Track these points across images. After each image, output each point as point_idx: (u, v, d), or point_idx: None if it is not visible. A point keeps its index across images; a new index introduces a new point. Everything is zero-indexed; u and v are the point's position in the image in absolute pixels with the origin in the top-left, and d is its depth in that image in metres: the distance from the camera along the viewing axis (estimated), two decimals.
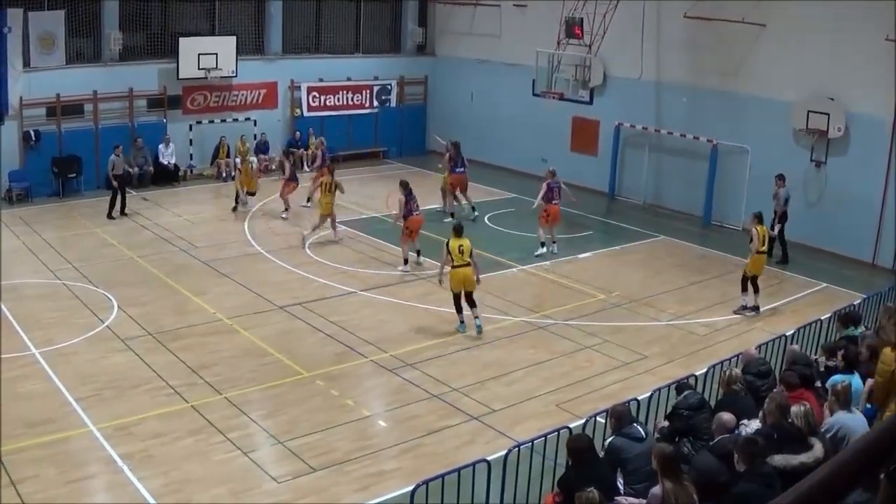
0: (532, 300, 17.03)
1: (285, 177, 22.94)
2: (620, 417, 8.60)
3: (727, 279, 18.55)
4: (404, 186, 18.49)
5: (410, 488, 8.56)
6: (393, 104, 30.60)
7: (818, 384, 9.73)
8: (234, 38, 26.16)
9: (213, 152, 26.45)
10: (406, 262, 18.24)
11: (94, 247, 19.32)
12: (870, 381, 9.46)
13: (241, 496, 9.94)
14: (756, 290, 16.53)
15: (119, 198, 21.82)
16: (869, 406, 9.11)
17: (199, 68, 25.29)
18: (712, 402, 9.85)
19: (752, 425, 8.49)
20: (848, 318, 11.91)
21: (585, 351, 14.65)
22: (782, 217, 19.59)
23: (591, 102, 24.03)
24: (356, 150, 29.51)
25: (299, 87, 28.34)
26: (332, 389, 12.83)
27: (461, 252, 14.94)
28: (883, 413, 8.92)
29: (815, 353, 11.81)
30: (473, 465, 8.95)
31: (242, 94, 27.14)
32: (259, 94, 27.52)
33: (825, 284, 18.58)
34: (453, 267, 14.97)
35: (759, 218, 16.53)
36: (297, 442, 11.18)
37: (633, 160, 25.49)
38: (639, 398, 10.59)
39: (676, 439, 9.00)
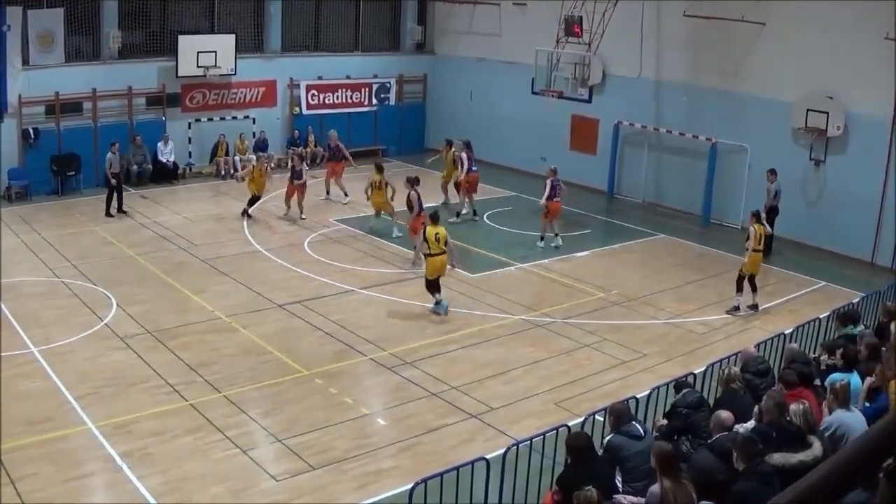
0: (531, 298, 17.03)
1: (301, 181, 21.97)
2: (619, 415, 8.60)
3: (726, 278, 18.55)
4: (414, 182, 18.79)
5: (409, 487, 8.56)
6: (392, 102, 30.59)
7: (817, 382, 9.74)
8: (233, 36, 26.13)
9: (211, 150, 26.43)
10: (414, 263, 18.14)
11: (93, 245, 19.31)
12: (869, 380, 9.46)
13: (239, 494, 9.95)
14: (754, 289, 16.54)
15: (116, 196, 21.80)
16: (868, 405, 9.11)
17: (198, 66, 25.25)
18: (711, 401, 9.86)
19: (747, 426, 8.49)
20: (847, 316, 11.91)
21: (584, 349, 14.66)
22: (772, 211, 19.66)
23: (590, 101, 24.03)
24: (355, 148, 29.31)
25: (298, 85, 28.32)
26: (330, 388, 12.84)
27: (437, 240, 15.72)
28: None
29: (814, 352, 11.82)
30: (472, 463, 8.95)
31: (241, 92, 27.12)
32: (258, 92, 27.50)
33: (824, 283, 18.60)
34: (431, 255, 15.74)
35: (757, 216, 16.54)
36: (296, 440, 11.19)
37: (632, 159, 25.49)
38: (637, 396, 10.59)
39: (675, 438, 9.01)
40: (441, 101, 31.05)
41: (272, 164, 26.89)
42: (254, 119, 27.40)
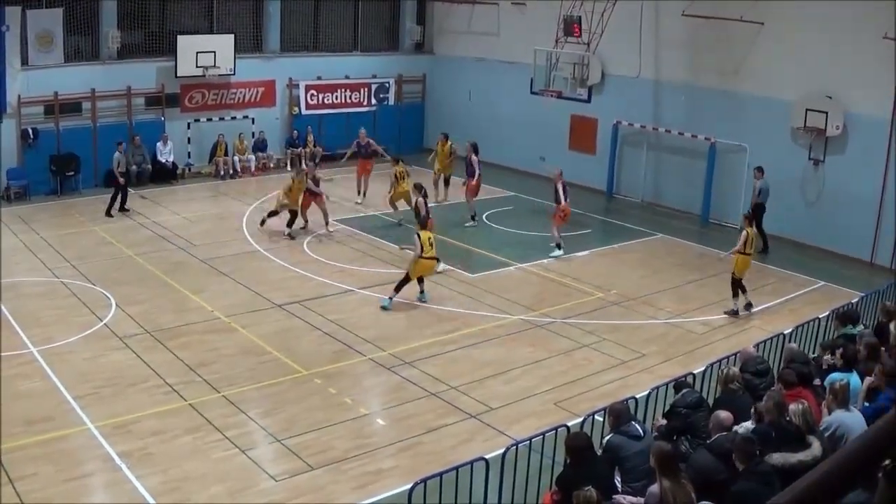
0: (530, 298, 17.02)
1: (320, 191, 20.91)
2: (619, 415, 8.61)
3: (725, 278, 18.52)
4: (419, 189, 18.65)
5: (408, 487, 8.55)
6: (391, 102, 30.59)
7: (816, 382, 9.74)
8: (232, 36, 26.12)
9: (210, 150, 26.42)
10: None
11: (93, 245, 19.30)
12: (868, 380, 9.47)
13: (238, 494, 9.94)
14: (743, 290, 16.50)
15: (121, 195, 21.84)
16: (867, 404, 9.12)
17: (197, 66, 25.26)
18: (710, 401, 9.86)
19: (747, 426, 8.50)
20: (846, 316, 11.92)
21: (584, 349, 14.66)
22: (757, 209, 19.83)
23: (589, 101, 24.04)
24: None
25: (297, 85, 28.32)
26: (330, 388, 12.84)
27: (431, 245, 16.15)
28: None
29: (814, 352, 11.83)
30: (472, 463, 8.95)
31: (240, 93, 27.12)
32: (257, 92, 27.50)
33: (823, 283, 18.60)
34: (422, 257, 16.05)
35: (749, 219, 16.56)
36: (295, 440, 11.19)
37: (631, 158, 25.49)
38: (637, 396, 10.59)
39: (674, 438, 9.01)
40: (440, 101, 31.05)
41: (270, 165, 26.97)
42: (253, 119, 27.39)
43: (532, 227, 20.96)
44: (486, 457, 9.07)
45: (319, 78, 28.76)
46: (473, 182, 22.04)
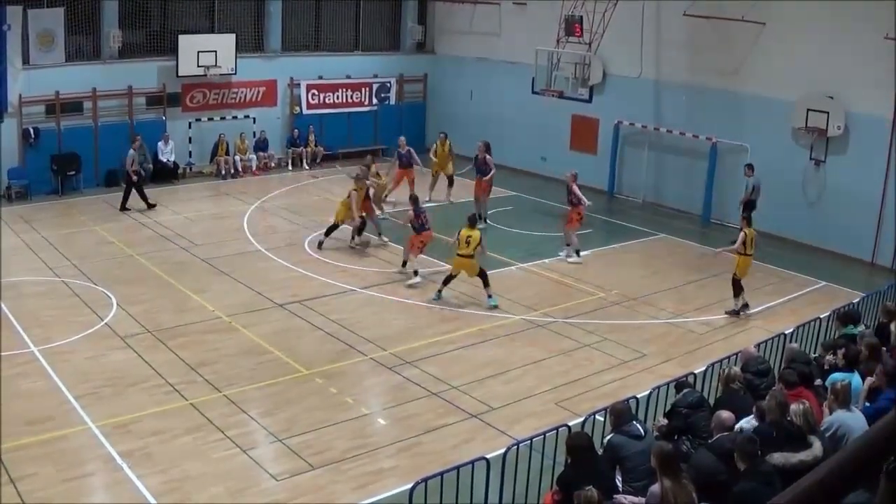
0: (531, 298, 17.02)
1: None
2: (620, 415, 8.60)
3: (726, 278, 18.51)
4: (414, 201, 18.26)
5: (409, 486, 8.56)
6: (392, 102, 30.59)
7: (818, 382, 9.74)
8: (233, 35, 26.12)
9: (212, 150, 26.42)
10: (416, 273, 17.51)
11: (94, 244, 19.31)
12: (869, 380, 9.47)
13: (239, 494, 9.94)
14: (741, 290, 16.48)
15: (136, 191, 22.12)
16: (868, 404, 9.11)
17: (198, 66, 25.25)
18: (711, 401, 9.86)
19: (751, 422, 8.50)
20: (847, 316, 11.92)
21: (584, 349, 14.66)
22: (748, 205, 19.96)
23: (590, 101, 24.01)
24: (355, 147, 29.48)
25: (299, 84, 28.32)
26: (331, 387, 12.84)
27: (468, 243, 16.05)
28: None
29: (815, 352, 11.83)
30: (472, 463, 8.95)
31: (242, 92, 27.11)
32: (258, 91, 27.50)
33: (824, 283, 18.59)
34: (458, 254, 16.22)
35: (748, 220, 16.54)
36: (296, 440, 11.19)
37: (632, 158, 25.48)
38: (638, 396, 10.59)
39: (675, 437, 9.01)
40: (441, 100, 31.05)
41: (271, 164, 26.98)
42: (254, 119, 27.39)
43: (533, 227, 20.96)
44: (487, 456, 9.06)
45: (321, 77, 28.75)
46: (486, 180, 21.95)
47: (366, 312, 15.95)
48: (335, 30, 29.61)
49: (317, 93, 28.75)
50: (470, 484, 9.06)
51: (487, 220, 21.90)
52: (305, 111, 28.45)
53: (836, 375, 9.40)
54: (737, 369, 9.90)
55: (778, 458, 7.47)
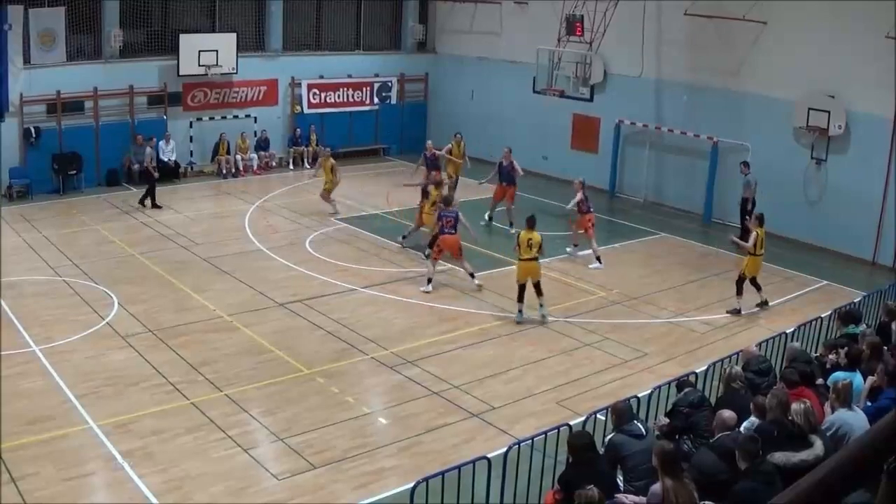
0: (532, 298, 16.95)
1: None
2: (621, 414, 8.60)
3: (727, 277, 18.54)
4: (446, 202, 17.68)
5: (410, 486, 8.55)
6: (393, 101, 30.60)
7: (819, 381, 9.73)
8: (234, 34, 26.14)
9: (213, 149, 26.43)
10: (429, 281, 17.03)
11: (95, 244, 19.31)
12: (871, 379, 9.46)
13: (240, 493, 9.94)
14: (759, 288, 16.51)
15: (150, 189, 22.38)
16: (869, 404, 9.11)
17: (199, 65, 25.26)
18: (713, 400, 9.85)
19: (753, 421, 8.49)
20: (848, 315, 11.91)
21: (585, 348, 14.65)
22: (745, 203, 20.20)
23: (591, 100, 24.01)
24: (356, 147, 29.52)
25: (300, 84, 28.32)
26: (331, 387, 12.83)
27: (530, 246, 15.41)
28: None
29: (816, 351, 11.82)
30: (473, 462, 8.93)
31: (243, 91, 27.13)
32: (259, 91, 27.50)
33: (825, 282, 18.58)
34: (520, 259, 15.53)
35: (759, 220, 16.50)
36: (297, 439, 11.19)
37: (633, 158, 25.48)
38: (639, 395, 10.57)
39: (676, 437, 8.99)
40: (442, 100, 31.05)
41: (272, 164, 26.98)
42: (255, 118, 27.40)
43: (505, 221, 20.95)
44: (488, 456, 9.05)
45: (322, 77, 28.76)
46: (514, 189, 21.57)
47: (367, 312, 15.95)
48: (336, 29, 29.63)
49: (318, 92, 28.76)
50: (471, 483, 9.04)
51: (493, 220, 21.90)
52: (306, 110, 28.46)
53: (838, 375, 9.39)
54: (738, 369, 9.89)
55: (779, 457, 7.46)
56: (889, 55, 18.54)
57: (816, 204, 21.08)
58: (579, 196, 19.13)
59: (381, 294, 16.80)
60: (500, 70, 28.32)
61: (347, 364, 13.68)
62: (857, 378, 9.44)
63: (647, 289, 17.75)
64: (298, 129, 27.92)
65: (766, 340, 12.35)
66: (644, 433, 8.43)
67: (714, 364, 11.27)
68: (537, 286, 15.67)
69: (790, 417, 7.93)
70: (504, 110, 28.19)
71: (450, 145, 23.89)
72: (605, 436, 8.96)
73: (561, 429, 9.37)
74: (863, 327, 11.67)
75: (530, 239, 15.44)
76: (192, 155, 26.40)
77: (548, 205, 22.84)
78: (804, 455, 7.47)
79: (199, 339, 14.37)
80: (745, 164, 20.87)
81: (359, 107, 29.74)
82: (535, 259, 15.52)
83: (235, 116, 27.09)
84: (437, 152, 23.24)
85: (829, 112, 20.10)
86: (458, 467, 8.90)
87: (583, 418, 10.32)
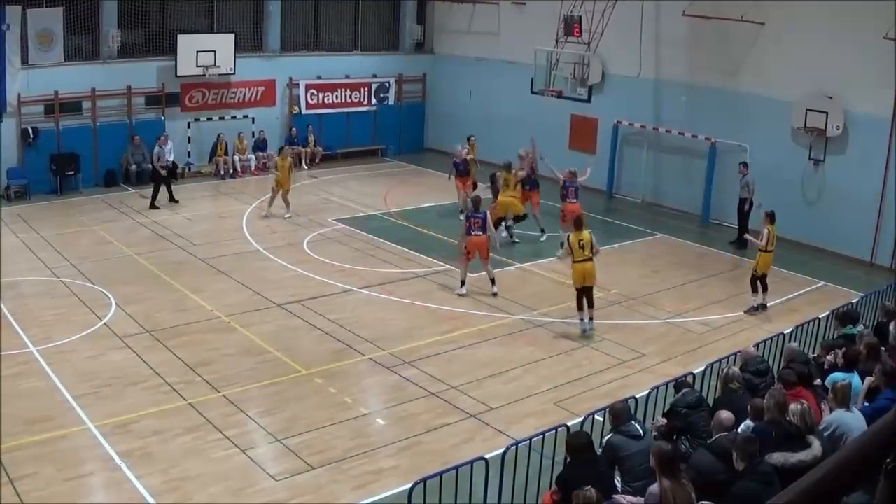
0: (530, 298, 17.01)
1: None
2: (618, 415, 8.60)
3: (725, 277, 18.60)
4: (475, 203, 17.24)
5: (408, 486, 8.54)
6: (391, 102, 30.60)
7: (817, 382, 9.74)
8: (232, 35, 26.14)
9: (210, 150, 26.43)
10: (462, 283, 16.86)
11: (93, 244, 19.30)
12: (868, 380, 9.47)
13: (238, 494, 9.94)
14: (765, 289, 16.56)
15: (165, 187, 22.55)
16: (867, 404, 9.11)
17: (197, 66, 25.27)
18: (710, 401, 9.86)
19: (748, 424, 8.50)
20: (846, 316, 11.92)
21: (583, 349, 14.66)
22: (743, 203, 20.33)
23: (589, 100, 23.98)
24: (354, 147, 29.53)
25: (298, 84, 28.33)
26: (330, 387, 12.83)
27: (581, 247, 14.98)
28: None
29: (814, 352, 11.83)
30: (471, 463, 8.94)
31: (241, 92, 27.12)
32: (257, 91, 27.50)
33: (823, 283, 18.61)
34: (574, 262, 15.07)
35: (770, 217, 16.50)
36: (295, 440, 11.18)
37: (631, 158, 25.49)
38: (637, 396, 10.58)
39: (674, 437, 9.01)
40: (440, 100, 31.07)
41: (269, 164, 26.94)
42: (253, 118, 27.39)
43: (532, 227, 20.91)
44: (486, 456, 9.06)
45: (319, 77, 28.76)
46: (537, 194, 21.11)
47: (365, 312, 15.95)
48: (334, 30, 29.65)
49: (316, 93, 28.76)
50: (469, 484, 9.05)
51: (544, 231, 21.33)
52: (304, 111, 28.46)
53: (836, 375, 9.40)
54: (736, 369, 9.90)
55: (777, 457, 7.47)
56: (887, 56, 18.56)
57: (814, 204, 21.10)
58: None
59: (378, 295, 16.80)
60: (498, 71, 28.33)
61: (346, 364, 13.68)
62: (855, 379, 9.44)
63: (645, 289, 17.76)
64: (294, 129, 27.91)
65: (764, 341, 12.37)
66: (642, 434, 8.44)
67: (712, 365, 11.28)
68: (589, 294, 15.21)
69: (788, 418, 7.94)
70: (502, 111, 28.20)
71: (466, 148, 23.54)
72: (602, 436, 8.96)
73: (559, 429, 9.37)
74: (860, 328, 11.68)
75: (581, 240, 15.00)
76: (189, 155, 26.38)
77: (545, 205, 22.78)
78: (802, 455, 7.48)
79: (198, 339, 14.37)
80: (744, 164, 20.91)
81: (357, 107, 29.74)
82: (590, 259, 15.05)
83: (233, 117, 27.09)
84: (467, 156, 22.85)
85: (827, 113, 20.13)
86: (457, 468, 8.90)
87: (581, 419, 10.32)
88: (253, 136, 27.14)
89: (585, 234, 15.12)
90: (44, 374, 12.74)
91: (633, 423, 8.57)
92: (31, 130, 22.96)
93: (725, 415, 8.36)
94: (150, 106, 25.48)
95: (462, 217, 17.22)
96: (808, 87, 20.53)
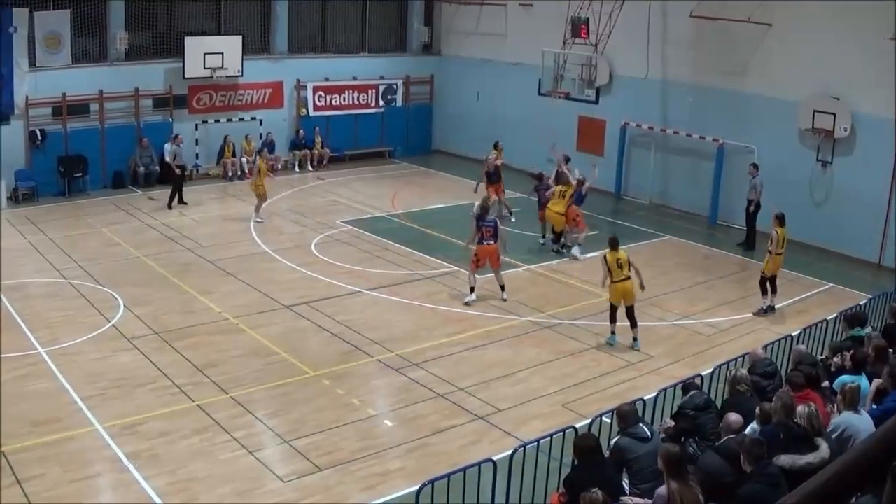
0: (538, 300, 17.00)
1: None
2: (626, 417, 8.59)
3: (733, 279, 18.56)
4: (484, 210, 17.15)
5: (416, 488, 8.55)
6: (399, 104, 30.63)
7: (825, 384, 9.72)
8: (239, 37, 26.19)
9: (218, 152, 26.48)
10: (472, 290, 16.61)
11: (100, 246, 19.35)
12: (876, 381, 9.44)
13: (246, 495, 9.95)
14: (774, 291, 16.53)
15: (181, 187, 22.78)
16: (875, 406, 9.09)
17: (204, 68, 25.32)
18: (718, 403, 9.84)
19: (755, 427, 8.48)
20: (854, 318, 11.91)
21: (591, 351, 14.64)
22: (750, 205, 20.31)
23: (597, 102, 23.96)
24: (362, 149, 29.55)
25: (305, 86, 28.36)
26: (337, 388, 12.84)
27: (620, 266, 14.63)
28: None
29: (822, 354, 11.81)
30: (479, 464, 8.94)
31: (248, 94, 27.17)
32: (265, 93, 27.55)
33: (831, 285, 18.56)
34: (613, 281, 14.67)
35: (780, 219, 16.46)
36: (303, 441, 11.20)
37: (638, 160, 25.47)
38: (644, 398, 10.57)
39: (682, 439, 9.00)
40: (448, 102, 31.09)
41: (278, 166, 26.98)
42: (261, 120, 27.42)
43: (540, 229, 20.90)
44: (494, 458, 9.08)
45: (327, 79, 28.80)
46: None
47: (372, 314, 15.96)
48: (341, 31, 29.70)
49: (323, 94, 28.79)
50: (477, 485, 9.04)
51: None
52: (312, 113, 28.50)
53: (843, 378, 9.39)
54: (743, 371, 9.87)
55: (785, 459, 7.45)
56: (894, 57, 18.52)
57: (822, 206, 21.06)
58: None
59: (386, 296, 16.81)
60: (505, 72, 28.33)
61: (353, 366, 13.69)
62: (863, 381, 9.42)
63: (652, 291, 17.61)
64: (301, 131, 27.95)
65: (772, 343, 12.35)
66: (650, 436, 8.44)
67: (720, 366, 11.27)
68: (630, 313, 14.82)
69: (795, 420, 7.93)
70: (509, 112, 28.20)
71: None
72: (610, 438, 8.95)
73: (567, 431, 9.38)
74: (868, 330, 11.66)
75: (618, 259, 14.64)
76: (197, 157, 26.42)
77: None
78: (810, 458, 7.46)
79: (205, 341, 14.40)
80: (755, 165, 20.76)
81: (364, 109, 29.76)
82: (629, 279, 14.65)
83: (241, 119, 27.13)
84: (498, 163, 22.59)
85: (834, 114, 20.09)
86: (464, 469, 8.89)
87: (588, 421, 10.30)
88: (261, 138, 27.17)
89: (622, 253, 14.81)
90: (52, 376, 12.78)
91: (640, 425, 8.56)
92: (38, 133, 23.04)
93: (734, 417, 8.36)
94: (158, 108, 25.54)
95: (487, 223, 16.81)
96: (815, 88, 20.50)
